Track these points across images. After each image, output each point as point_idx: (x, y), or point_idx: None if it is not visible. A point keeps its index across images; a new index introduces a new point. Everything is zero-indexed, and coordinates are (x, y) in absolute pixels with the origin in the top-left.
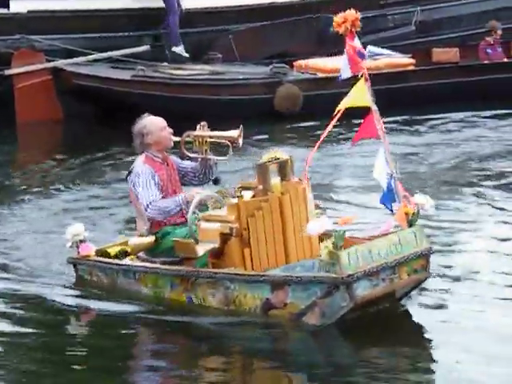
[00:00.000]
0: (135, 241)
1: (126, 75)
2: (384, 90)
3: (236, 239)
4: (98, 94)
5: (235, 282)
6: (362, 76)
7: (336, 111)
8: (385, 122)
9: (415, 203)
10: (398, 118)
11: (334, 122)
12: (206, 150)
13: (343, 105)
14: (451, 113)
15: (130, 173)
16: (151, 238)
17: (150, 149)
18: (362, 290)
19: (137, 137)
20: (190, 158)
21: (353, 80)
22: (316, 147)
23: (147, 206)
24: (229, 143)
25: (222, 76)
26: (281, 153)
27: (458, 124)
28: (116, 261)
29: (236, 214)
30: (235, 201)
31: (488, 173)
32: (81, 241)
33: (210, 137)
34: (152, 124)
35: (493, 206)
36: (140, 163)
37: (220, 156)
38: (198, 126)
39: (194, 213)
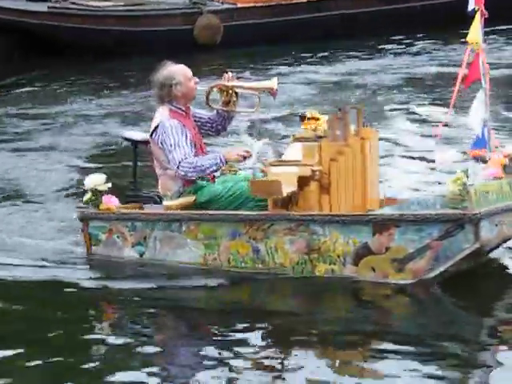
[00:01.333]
0: (173, 202)
1: (42, 7)
2: (304, 19)
3: (315, 184)
4: (14, 27)
5: (328, 224)
6: (478, 10)
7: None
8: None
9: (507, 154)
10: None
11: (466, 59)
12: (234, 102)
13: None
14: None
15: (155, 129)
16: (191, 198)
17: (175, 100)
18: (485, 233)
19: (163, 87)
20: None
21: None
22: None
23: (178, 163)
24: (258, 95)
25: (141, 7)
26: (316, 112)
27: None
28: (157, 210)
29: (317, 157)
30: (313, 143)
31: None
32: (101, 192)
33: (245, 88)
34: (180, 74)
35: None
36: (166, 118)
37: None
38: (225, 76)
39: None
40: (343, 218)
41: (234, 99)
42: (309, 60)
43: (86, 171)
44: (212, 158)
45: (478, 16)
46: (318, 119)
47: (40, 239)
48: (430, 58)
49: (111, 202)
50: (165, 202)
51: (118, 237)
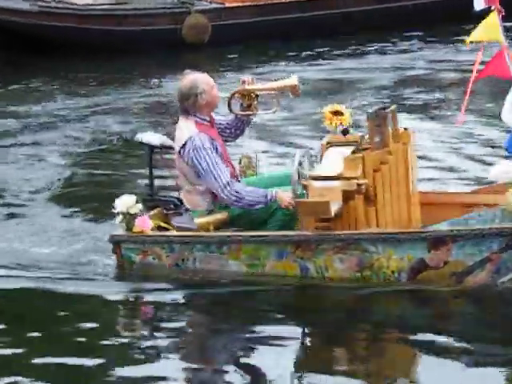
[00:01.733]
0: (206, 219)
1: (30, 7)
2: (292, 19)
3: (360, 198)
4: (2, 27)
5: (381, 242)
6: (494, 9)
7: (467, 42)
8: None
9: None
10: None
11: (479, 60)
12: (255, 105)
13: (473, 37)
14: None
15: (184, 145)
16: (224, 215)
17: (200, 111)
18: None
19: (188, 98)
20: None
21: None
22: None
23: (224, 187)
24: (276, 95)
25: (129, 6)
26: (339, 106)
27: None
28: (199, 232)
29: (361, 169)
30: (351, 154)
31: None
32: (133, 215)
33: (267, 89)
34: (203, 82)
35: None
36: (195, 132)
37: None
38: (245, 80)
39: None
40: (398, 235)
41: (255, 102)
42: (297, 59)
43: (74, 171)
44: (262, 195)
45: (495, 14)
46: (342, 114)
47: (44, 247)
48: (419, 57)
49: (145, 226)
50: (197, 220)
51: (153, 258)
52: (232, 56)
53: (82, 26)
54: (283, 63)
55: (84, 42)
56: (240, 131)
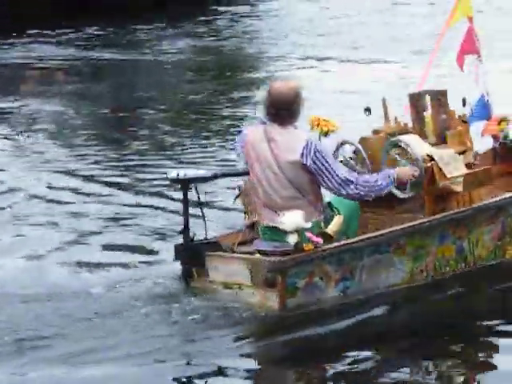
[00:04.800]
0: (333, 227)
1: None
2: None
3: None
4: None
5: None
6: None
7: (443, 30)
8: None
9: None
10: None
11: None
12: None
13: (452, 22)
14: None
15: (303, 149)
16: (340, 217)
17: (297, 118)
18: None
19: (293, 104)
20: None
21: None
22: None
23: (357, 178)
24: None
25: None
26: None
27: None
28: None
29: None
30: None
31: None
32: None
33: None
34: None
35: None
36: (307, 135)
37: None
38: None
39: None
40: None
41: None
42: None
43: None
44: (384, 177)
45: None
46: (327, 120)
47: None
48: None
49: (319, 239)
50: (328, 229)
51: (321, 278)
52: None
53: None
54: None
55: None
56: None
